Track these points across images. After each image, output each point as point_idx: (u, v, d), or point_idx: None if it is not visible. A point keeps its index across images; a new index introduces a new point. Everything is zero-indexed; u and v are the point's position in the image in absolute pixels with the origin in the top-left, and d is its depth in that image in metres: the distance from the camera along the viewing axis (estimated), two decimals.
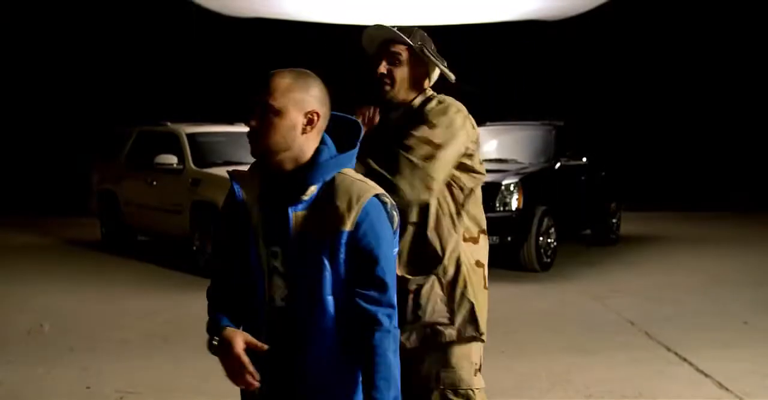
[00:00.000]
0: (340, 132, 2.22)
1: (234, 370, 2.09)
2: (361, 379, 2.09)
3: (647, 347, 6.04)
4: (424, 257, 2.73)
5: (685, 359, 5.67)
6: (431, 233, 2.73)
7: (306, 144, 2.10)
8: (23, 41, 16.59)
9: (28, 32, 16.59)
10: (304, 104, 2.08)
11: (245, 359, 2.07)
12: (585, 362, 5.50)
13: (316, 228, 2.06)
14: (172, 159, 9.61)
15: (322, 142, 2.14)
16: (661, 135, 17.37)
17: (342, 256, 2.06)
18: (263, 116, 2.07)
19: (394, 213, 2.13)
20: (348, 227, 2.04)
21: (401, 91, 2.84)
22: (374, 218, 2.06)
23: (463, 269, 2.75)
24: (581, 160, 10.35)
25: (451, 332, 2.74)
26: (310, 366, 2.09)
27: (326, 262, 2.05)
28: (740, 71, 17.19)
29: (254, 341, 2.09)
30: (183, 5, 15.22)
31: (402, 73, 2.82)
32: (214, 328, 2.14)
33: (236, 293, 2.19)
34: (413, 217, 2.72)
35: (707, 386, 5.12)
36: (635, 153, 16.39)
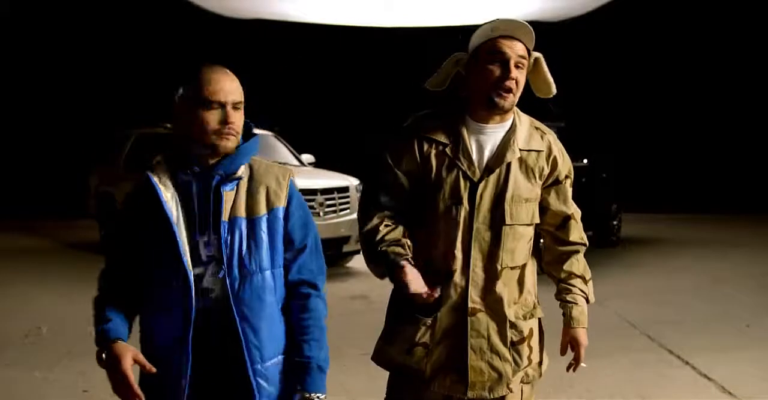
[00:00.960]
0: None
1: (119, 387, 2.11)
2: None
3: (649, 350, 5.99)
4: (527, 299, 2.65)
5: (687, 362, 5.62)
6: (530, 276, 2.66)
7: None
8: (23, 43, 16.54)
9: (27, 34, 16.55)
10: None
11: (131, 378, 2.08)
12: (587, 365, 5.45)
13: (249, 208, 2.19)
14: None
15: None
16: (662, 137, 17.32)
17: (280, 230, 2.22)
18: (237, 112, 2.19)
19: None
20: (282, 202, 2.23)
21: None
22: (299, 195, 2.30)
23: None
24: (582, 162, 10.30)
25: (535, 373, 2.69)
26: (256, 345, 2.17)
27: (265, 238, 2.19)
28: (742, 73, 17.14)
29: (143, 360, 2.11)
30: (182, 7, 15.18)
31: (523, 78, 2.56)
32: (101, 341, 2.14)
33: (131, 299, 2.22)
34: (521, 260, 2.60)
35: (709, 389, 5.07)
36: (636, 155, 16.36)
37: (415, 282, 2.41)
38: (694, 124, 17.31)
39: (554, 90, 2.61)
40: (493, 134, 2.56)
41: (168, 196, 2.16)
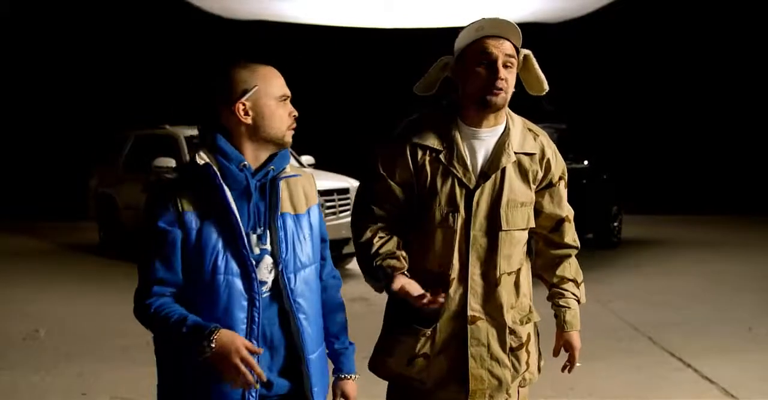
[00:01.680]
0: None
1: (237, 373, 2.04)
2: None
3: (651, 353, 5.96)
4: (523, 303, 2.62)
5: (689, 365, 5.59)
6: (524, 279, 2.63)
7: None
8: (22, 45, 16.53)
9: (27, 36, 16.54)
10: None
11: (252, 360, 2.05)
12: (588, 368, 5.42)
13: (294, 205, 2.27)
14: (171, 162, 9.54)
15: None
16: (663, 138, 17.31)
17: (318, 227, 2.33)
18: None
19: None
20: (316, 201, 2.34)
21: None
22: None
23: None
24: (583, 163, 10.28)
25: (532, 377, 2.67)
26: (311, 336, 2.24)
27: (308, 234, 2.28)
28: (742, 75, 17.13)
29: (248, 342, 2.09)
30: (182, 8, 15.17)
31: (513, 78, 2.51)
32: (200, 333, 2.05)
33: (185, 304, 2.15)
34: (516, 264, 2.56)
35: (712, 392, 5.05)
36: (637, 156, 16.35)
37: (414, 291, 2.38)
38: (695, 126, 17.29)
39: (546, 87, 2.56)
40: (486, 138, 2.51)
41: (229, 192, 2.14)
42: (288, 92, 2.22)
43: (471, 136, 2.51)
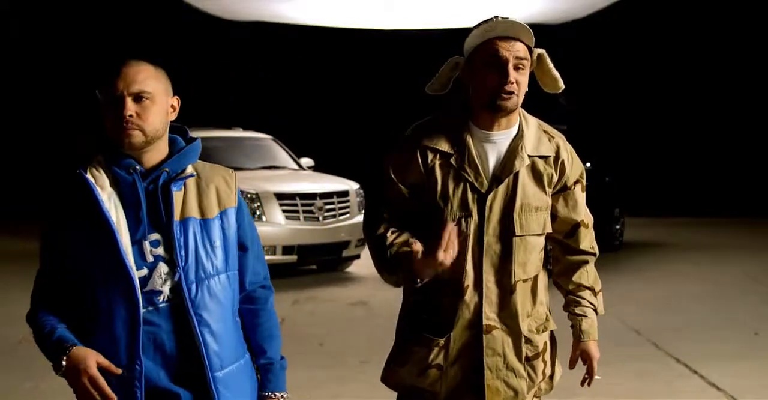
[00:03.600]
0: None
1: (87, 394, 1.98)
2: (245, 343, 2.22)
3: (655, 359, 5.88)
4: (540, 311, 2.52)
5: (695, 372, 5.50)
6: (541, 286, 2.53)
7: (166, 130, 2.14)
8: (21, 45, 16.47)
9: (26, 37, 16.47)
10: (169, 89, 2.14)
11: (101, 381, 1.98)
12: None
13: (202, 208, 2.12)
14: None
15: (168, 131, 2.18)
16: (665, 140, 17.24)
17: (234, 232, 2.16)
18: (140, 104, 2.06)
19: None
20: (233, 203, 2.18)
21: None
22: (240, 195, 2.25)
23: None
24: (585, 165, 10.16)
25: (547, 387, 2.58)
26: (216, 352, 2.09)
27: (219, 239, 2.12)
28: (743, 76, 17.06)
29: (107, 361, 2.00)
30: (181, 9, 15.10)
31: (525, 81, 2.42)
32: (58, 348, 2.00)
33: (69, 311, 2.08)
34: (533, 271, 2.46)
35: (719, 399, 4.96)
36: (639, 158, 16.28)
37: (430, 247, 2.25)
38: (697, 128, 17.22)
39: (562, 85, 2.48)
40: (499, 141, 2.42)
41: (105, 196, 2.04)
42: (118, 90, 2.03)
43: (483, 139, 2.42)
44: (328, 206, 9.35)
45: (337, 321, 7.07)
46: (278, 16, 15.64)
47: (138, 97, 2.04)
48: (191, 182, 2.13)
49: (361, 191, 9.91)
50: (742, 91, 17.11)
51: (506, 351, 2.43)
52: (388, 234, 2.40)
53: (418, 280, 2.33)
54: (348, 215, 9.53)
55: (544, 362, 2.51)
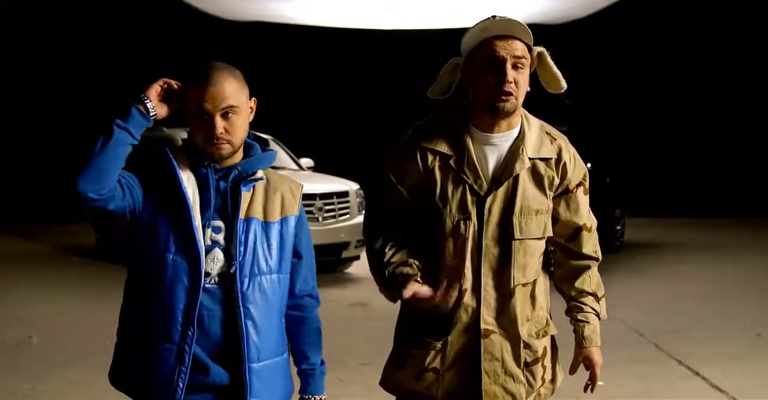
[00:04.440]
0: None
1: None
2: (288, 347, 2.37)
3: (657, 360, 5.85)
4: (540, 315, 2.49)
5: (697, 373, 5.47)
6: (541, 291, 2.50)
7: (247, 130, 2.29)
8: (21, 45, 16.45)
9: (25, 37, 16.45)
10: (248, 96, 2.26)
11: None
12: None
13: (266, 211, 2.27)
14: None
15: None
16: (666, 141, 17.22)
17: (291, 238, 2.30)
18: (228, 120, 2.20)
19: None
20: (295, 212, 2.32)
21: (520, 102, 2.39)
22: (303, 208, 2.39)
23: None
24: (585, 166, 10.14)
25: (547, 392, 2.55)
26: (256, 344, 2.22)
27: (277, 242, 2.27)
28: (743, 76, 17.04)
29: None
30: (181, 9, 15.08)
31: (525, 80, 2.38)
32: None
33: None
34: (532, 275, 2.44)
35: None
36: (640, 159, 16.26)
37: (425, 293, 2.28)
38: (698, 128, 17.20)
39: (564, 84, 2.44)
40: (499, 144, 2.38)
41: (185, 177, 2.19)
42: (207, 109, 2.16)
43: (483, 141, 2.39)
44: (327, 207, 9.33)
45: (336, 323, 7.02)
46: (278, 16, 15.62)
47: (225, 114, 2.17)
48: (260, 186, 2.28)
49: (361, 192, 9.88)
50: (742, 92, 17.09)
51: (504, 356, 2.41)
52: (387, 250, 2.39)
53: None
54: (348, 216, 9.51)
55: (544, 367, 2.48)
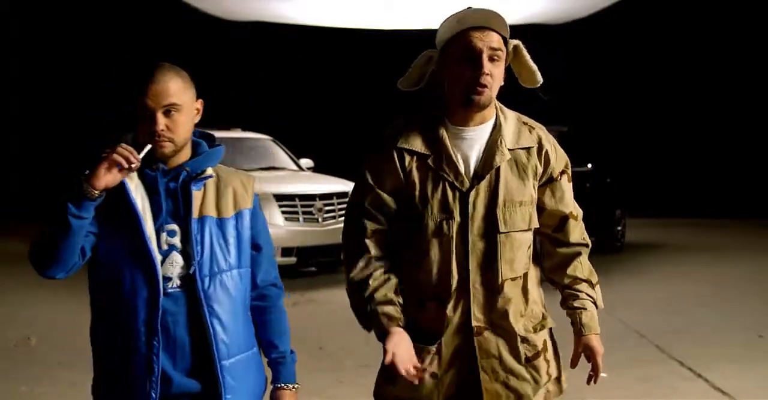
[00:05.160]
0: None
1: (111, 161, 2.13)
2: (255, 338, 2.37)
3: (659, 362, 5.81)
4: (534, 310, 2.43)
5: (699, 375, 5.44)
6: (532, 284, 2.44)
7: (191, 130, 2.28)
8: (21, 45, 16.42)
9: (25, 37, 16.43)
10: (194, 96, 2.27)
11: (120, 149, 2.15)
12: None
13: (219, 208, 2.27)
14: None
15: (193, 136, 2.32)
16: (666, 141, 17.19)
17: (247, 232, 2.31)
18: (170, 117, 2.19)
19: None
20: (249, 205, 2.32)
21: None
22: (257, 199, 2.38)
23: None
24: (586, 166, 10.15)
25: (556, 389, 2.48)
26: (224, 341, 2.23)
27: (234, 238, 2.28)
28: (744, 77, 17.01)
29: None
30: (179, 9, 15.06)
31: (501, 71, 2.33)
32: (73, 185, 2.10)
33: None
34: (521, 269, 2.38)
35: None
36: (641, 159, 16.23)
37: (403, 357, 2.22)
38: (699, 128, 17.17)
39: (539, 78, 2.38)
40: (476, 137, 2.34)
41: (133, 186, 2.18)
42: (148, 107, 2.15)
43: (459, 135, 2.34)
44: (327, 208, 9.29)
45: (336, 324, 7.00)
46: (278, 16, 15.60)
47: (167, 111, 2.17)
48: (210, 183, 2.28)
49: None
50: (743, 92, 17.06)
51: (502, 353, 2.35)
52: (370, 281, 2.32)
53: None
54: None
55: (547, 361, 2.42)
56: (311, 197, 9.21)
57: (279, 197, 9.03)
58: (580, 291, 2.47)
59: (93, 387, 2.36)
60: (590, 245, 2.51)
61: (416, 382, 2.25)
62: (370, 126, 17.33)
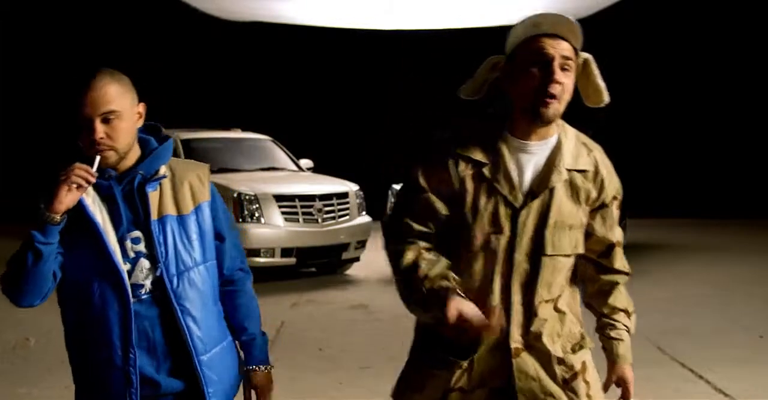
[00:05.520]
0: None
1: (67, 180, 2.13)
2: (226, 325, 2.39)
3: (661, 363, 5.78)
4: (572, 330, 2.34)
5: (701, 377, 5.41)
6: (567, 304, 2.35)
7: (135, 136, 2.23)
8: (20, 46, 16.40)
9: (25, 37, 16.41)
10: (133, 100, 2.21)
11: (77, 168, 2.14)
12: None
13: (177, 205, 2.25)
14: None
15: (139, 131, 2.27)
16: (669, 141, 17.17)
17: (209, 224, 2.30)
18: (109, 124, 2.14)
19: None
20: (207, 197, 2.31)
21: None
22: (214, 187, 2.37)
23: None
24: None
25: None
26: (200, 337, 2.24)
27: (196, 233, 2.27)
28: (746, 77, 16.99)
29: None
30: (179, 9, 15.02)
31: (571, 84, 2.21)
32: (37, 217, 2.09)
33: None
34: (557, 291, 2.29)
35: None
36: (643, 160, 16.19)
37: (475, 316, 2.05)
38: (701, 128, 17.14)
39: (606, 98, 2.29)
40: (536, 153, 2.24)
41: (90, 200, 2.16)
42: (86, 115, 2.11)
43: (519, 149, 2.23)
44: (327, 208, 9.26)
45: (336, 325, 6.98)
46: (277, 16, 15.56)
47: (106, 119, 2.12)
48: (166, 182, 2.25)
49: (361, 193, 9.82)
50: (745, 92, 17.03)
51: (540, 374, 2.25)
52: (422, 264, 2.19)
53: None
54: (347, 217, 9.44)
55: (586, 383, 2.31)
56: (311, 198, 9.18)
57: (279, 198, 9.00)
58: (618, 321, 2.42)
59: (76, 398, 2.33)
60: (630, 274, 2.45)
61: (497, 332, 2.13)
62: (370, 126, 17.31)
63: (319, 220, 9.13)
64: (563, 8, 15.34)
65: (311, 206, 9.10)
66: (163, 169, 2.25)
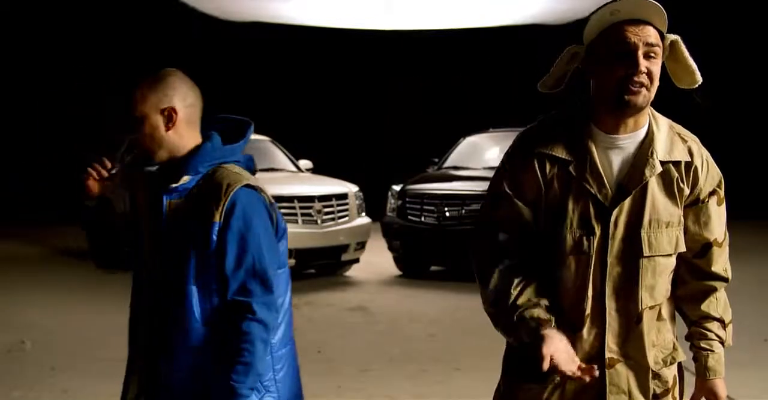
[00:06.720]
0: (231, 131, 2.31)
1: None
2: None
3: None
4: (666, 338, 2.25)
5: None
6: (667, 312, 2.25)
7: (178, 139, 2.20)
8: (19, 46, 16.38)
9: (25, 37, 16.38)
10: (159, 104, 2.20)
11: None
12: None
13: (189, 218, 2.16)
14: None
15: (208, 138, 2.22)
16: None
17: (213, 247, 2.14)
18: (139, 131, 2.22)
19: (270, 206, 2.22)
20: (217, 218, 2.13)
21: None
22: (245, 208, 2.14)
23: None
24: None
25: None
26: (174, 359, 2.20)
27: (192, 252, 2.14)
28: (747, 77, 16.97)
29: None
30: (178, 9, 15.00)
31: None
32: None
33: None
34: (661, 297, 2.18)
35: None
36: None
37: (563, 359, 1.98)
38: (702, 127, 17.08)
39: (699, 78, 2.16)
40: (625, 146, 2.11)
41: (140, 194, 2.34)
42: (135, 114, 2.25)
43: (607, 144, 2.11)
44: (326, 209, 9.21)
45: (335, 327, 6.93)
46: (277, 16, 15.54)
47: (135, 125, 2.22)
48: (191, 193, 2.21)
49: (360, 194, 9.78)
50: (747, 92, 17.01)
51: (631, 388, 2.15)
52: (512, 289, 2.06)
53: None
54: (347, 218, 9.40)
55: (674, 399, 2.24)
56: (310, 199, 9.13)
57: (277, 199, 8.80)
58: (710, 330, 2.27)
59: None
60: (730, 280, 2.28)
61: (587, 379, 2.01)
62: (370, 127, 17.27)
63: (319, 221, 9.09)
64: (563, 8, 15.35)
65: (310, 207, 9.05)
66: (183, 179, 2.19)
